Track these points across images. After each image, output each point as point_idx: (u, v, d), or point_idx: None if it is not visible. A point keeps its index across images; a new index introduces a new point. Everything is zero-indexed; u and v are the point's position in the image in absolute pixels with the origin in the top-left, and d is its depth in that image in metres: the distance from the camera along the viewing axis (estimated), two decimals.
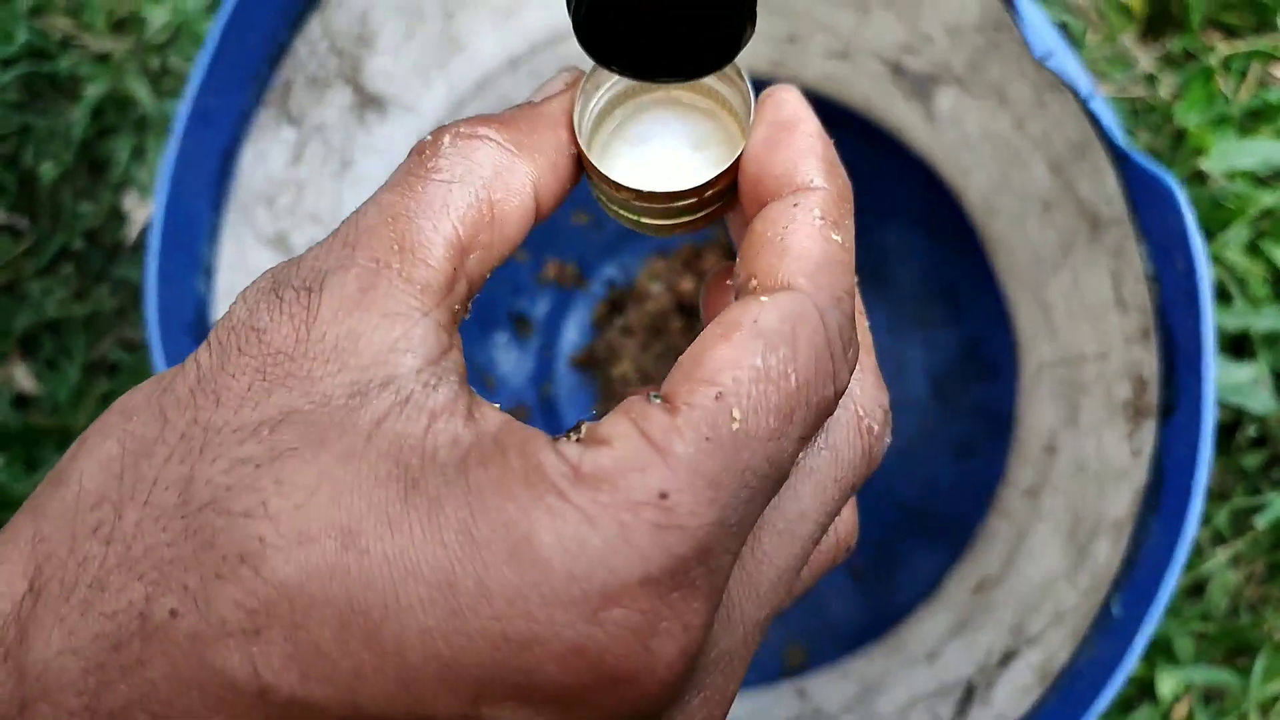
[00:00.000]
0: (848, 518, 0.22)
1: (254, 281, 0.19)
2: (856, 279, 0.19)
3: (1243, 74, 0.56)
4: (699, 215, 0.21)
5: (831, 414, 0.18)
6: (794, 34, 0.51)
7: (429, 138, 0.19)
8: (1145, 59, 0.58)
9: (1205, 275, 0.29)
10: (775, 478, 0.17)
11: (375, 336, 0.17)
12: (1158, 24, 0.58)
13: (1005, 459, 0.50)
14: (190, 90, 0.35)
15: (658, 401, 0.16)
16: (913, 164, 0.53)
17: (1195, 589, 0.55)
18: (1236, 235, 0.53)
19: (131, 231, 0.61)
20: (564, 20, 0.52)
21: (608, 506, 0.15)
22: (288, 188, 0.44)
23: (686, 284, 0.58)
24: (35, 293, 0.61)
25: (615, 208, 0.21)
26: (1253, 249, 0.54)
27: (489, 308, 0.58)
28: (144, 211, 0.61)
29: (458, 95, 0.51)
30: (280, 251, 0.44)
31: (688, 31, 0.19)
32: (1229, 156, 0.53)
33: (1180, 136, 0.56)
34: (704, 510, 0.15)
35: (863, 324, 0.21)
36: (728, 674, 0.18)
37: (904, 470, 0.56)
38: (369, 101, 0.47)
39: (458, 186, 0.18)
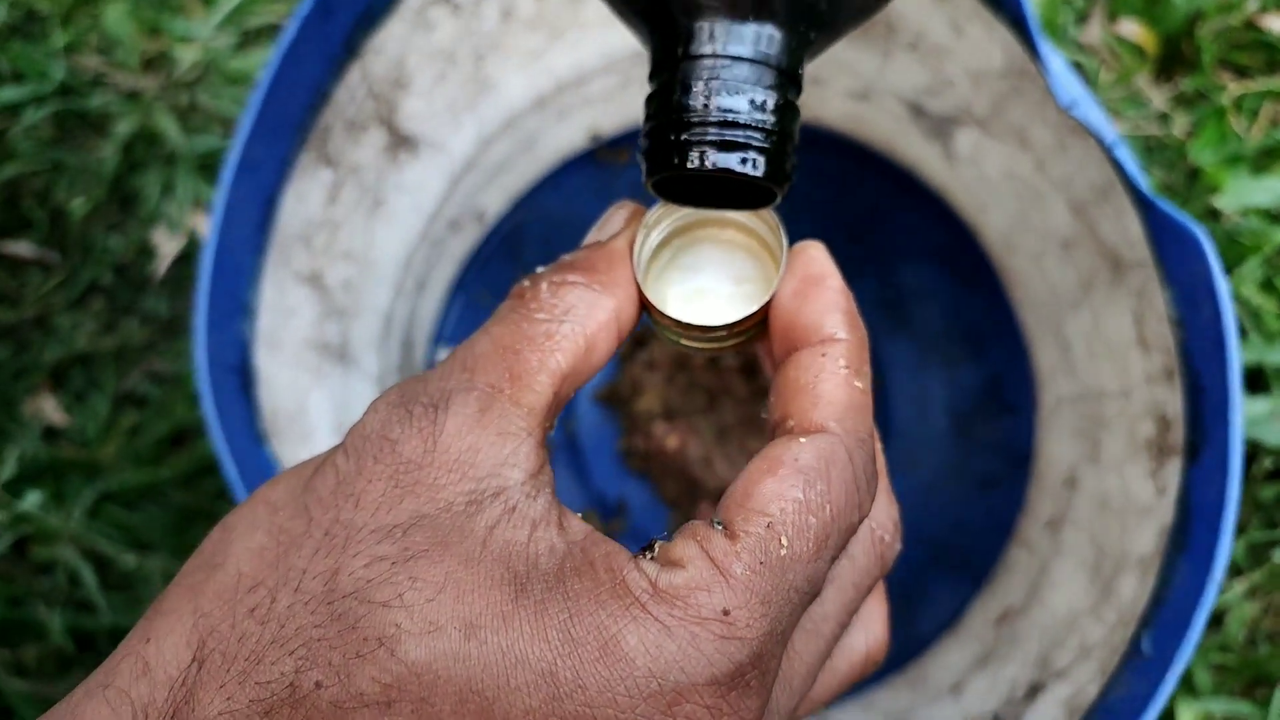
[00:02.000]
0: (879, 634, 0.25)
1: (382, 396, 0.22)
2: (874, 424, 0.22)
3: (1255, 113, 0.57)
4: (731, 343, 0.24)
5: (856, 535, 0.21)
6: (816, 75, 0.52)
7: (527, 283, 0.23)
8: (1158, 98, 0.59)
9: (1232, 324, 0.30)
10: (813, 592, 0.20)
11: (491, 452, 0.20)
12: (1170, 64, 0.59)
13: (1025, 492, 0.50)
14: (237, 141, 0.36)
15: (719, 528, 0.20)
16: (930, 201, 0.54)
17: (1214, 620, 0.55)
18: (1251, 271, 0.54)
19: (161, 265, 0.62)
20: (589, 60, 0.53)
21: (681, 620, 0.18)
22: (324, 227, 0.45)
23: None
24: (65, 326, 0.61)
25: (658, 329, 0.24)
26: (1267, 285, 0.55)
27: None
28: (173, 245, 0.62)
29: (486, 133, 0.52)
30: (315, 289, 0.45)
31: (734, 186, 0.23)
32: (1243, 194, 0.54)
33: (1194, 174, 0.57)
34: (758, 624, 0.19)
35: (879, 450, 0.24)
36: None
37: (926, 504, 0.56)
38: (402, 142, 0.48)
39: (557, 325, 0.22)
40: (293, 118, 0.38)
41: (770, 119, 0.22)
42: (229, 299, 0.36)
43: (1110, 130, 0.33)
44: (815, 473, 0.20)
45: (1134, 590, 0.35)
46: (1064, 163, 0.41)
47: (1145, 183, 0.34)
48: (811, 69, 0.51)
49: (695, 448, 0.58)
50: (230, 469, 0.33)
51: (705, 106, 0.22)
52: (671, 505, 0.59)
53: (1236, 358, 0.30)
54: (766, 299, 0.23)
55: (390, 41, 0.43)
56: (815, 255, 0.23)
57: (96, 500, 0.58)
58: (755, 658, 0.19)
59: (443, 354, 0.57)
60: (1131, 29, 0.59)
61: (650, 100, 0.23)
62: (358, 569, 0.19)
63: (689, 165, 0.22)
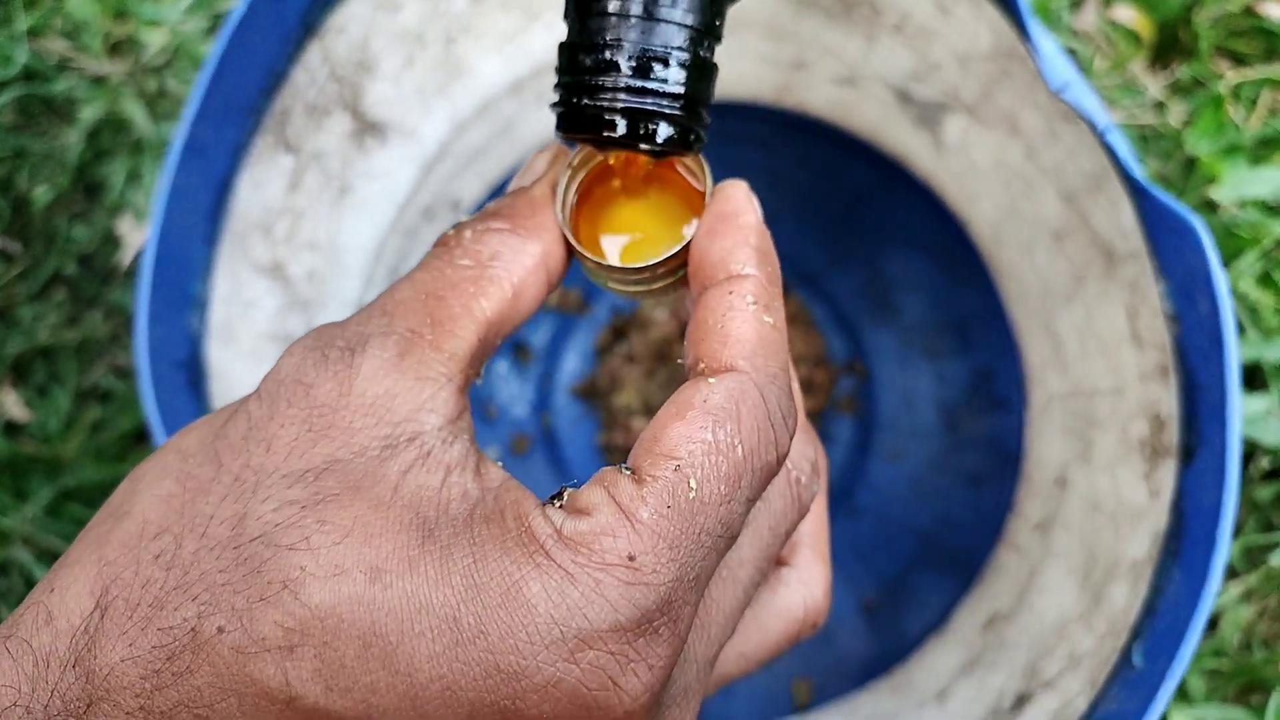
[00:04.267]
0: (818, 597, 0.24)
1: (299, 340, 0.21)
2: (790, 356, 0.22)
3: (1253, 102, 0.56)
4: (656, 286, 0.23)
5: (775, 475, 0.21)
6: (801, 60, 0.50)
7: (451, 231, 0.22)
8: (1154, 86, 0.57)
9: (1229, 318, 0.28)
10: (728, 536, 0.20)
11: (408, 397, 0.20)
12: (1166, 51, 0.58)
13: (1015, 490, 0.49)
14: (183, 124, 0.34)
15: (627, 472, 0.19)
16: (918, 191, 0.52)
17: (1208, 624, 0.54)
18: (1248, 265, 0.52)
19: (126, 256, 0.60)
20: None
21: (584, 566, 0.18)
22: (285, 215, 0.43)
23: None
24: (27, 318, 0.60)
25: (587, 272, 0.24)
26: (1265, 279, 0.53)
27: None
28: (139, 236, 0.61)
29: (459, 119, 0.50)
30: (277, 280, 0.44)
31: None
32: (1240, 185, 0.52)
33: (1190, 164, 0.55)
34: (665, 569, 0.18)
35: (795, 387, 0.23)
36: (684, 706, 0.21)
37: (914, 499, 0.55)
38: (368, 128, 0.46)
39: (481, 271, 0.21)
40: (245, 99, 0.36)
41: (680, 84, 0.21)
42: (175, 291, 0.35)
43: (1103, 115, 0.32)
44: (725, 413, 0.20)
45: (1125, 598, 0.33)
46: (1055, 150, 0.39)
47: (1139, 170, 0.32)
48: (796, 54, 0.50)
49: None
50: None
51: (614, 68, 0.21)
52: None
53: (1234, 355, 0.28)
54: (685, 242, 0.22)
55: (352, 21, 0.41)
56: (731, 193, 0.23)
57: (56, 497, 0.56)
58: (664, 603, 0.18)
59: None
60: (1127, 14, 0.57)
61: (561, 50, 0.23)
62: (266, 513, 0.19)
63: (597, 131, 0.21)
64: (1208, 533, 0.28)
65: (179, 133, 0.34)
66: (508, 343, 0.58)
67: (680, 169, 0.24)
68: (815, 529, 0.25)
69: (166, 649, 0.18)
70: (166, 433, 0.32)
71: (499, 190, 0.55)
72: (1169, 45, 0.58)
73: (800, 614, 0.24)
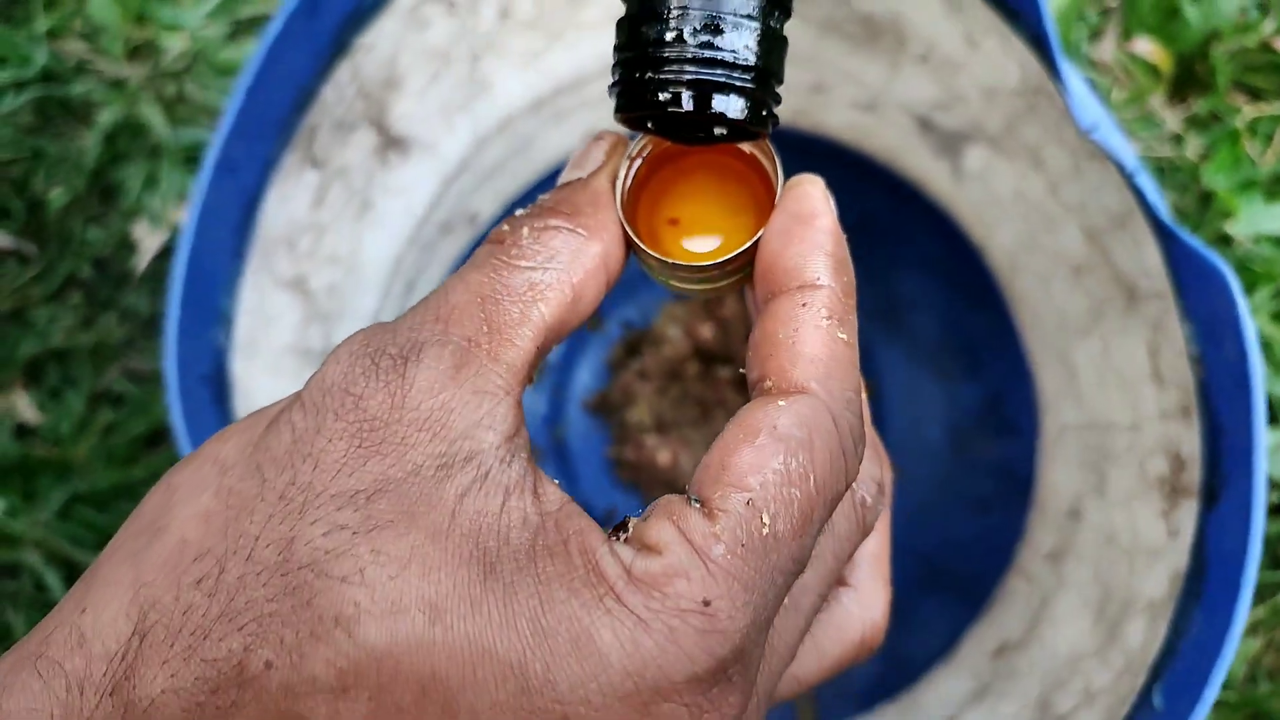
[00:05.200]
0: (878, 620, 0.23)
1: (344, 343, 0.19)
2: (862, 378, 0.21)
3: (1269, 138, 0.56)
4: (720, 284, 0.22)
5: (840, 501, 0.19)
6: (820, 84, 0.50)
7: (505, 228, 0.21)
8: (1172, 119, 0.57)
9: (1257, 363, 0.29)
10: (797, 571, 0.19)
11: (465, 412, 0.19)
12: (1184, 85, 0.58)
13: (1025, 519, 0.49)
14: (216, 140, 0.34)
15: (696, 505, 0.18)
16: (934, 215, 0.52)
17: None
18: (1262, 301, 0.53)
19: (141, 260, 0.60)
20: (588, 63, 0.52)
21: (659, 612, 0.17)
22: (308, 230, 0.43)
23: (705, 330, 0.57)
24: (41, 320, 0.60)
25: (646, 269, 0.22)
26: (1278, 316, 0.53)
27: None
28: (154, 240, 0.61)
29: (480, 135, 0.50)
30: (298, 294, 0.44)
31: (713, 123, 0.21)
32: (1256, 221, 0.53)
33: (1207, 198, 0.55)
34: (741, 614, 0.17)
35: (865, 409, 0.22)
36: None
37: (921, 523, 0.55)
38: (392, 143, 0.46)
39: (540, 273, 0.20)
40: (277, 117, 0.36)
41: (752, 53, 0.20)
42: (204, 306, 0.35)
43: (1131, 157, 0.32)
44: (797, 441, 0.18)
45: (1143, 636, 0.33)
46: (1079, 186, 0.39)
47: (1167, 212, 0.32)
48: (816, 77, 0.50)
49: (687, 461, 0.57)
50: None
51: (678, 39, 0.20)
52: None
53: (1261, 399, 0.28)
54: (755, 239, 0.21)
55: (382, 39, 0.41)
56: (809, 191, 0.21)
57: (67, 501, 0.56)
58: (738, 651, 0.17)
59: None
60: (1146, 48, 0.57)
61: (620, 26, 0.21)
62: (315, 538, 0.18)
63: (661, 108, 0.20)
64: (1232, 577, 0.29)
65: (212, 149, 0.34)
66: None
67: (747, 156, 0.22)
68: (877, 549, 0.24)
69: (211, 682, 0.17)
70: (193, 446, 0.32)
71: (515, 205, 0.55)
72: (1187, 79, 0.58)
73: (858, 638, 0.23)
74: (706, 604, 0.17)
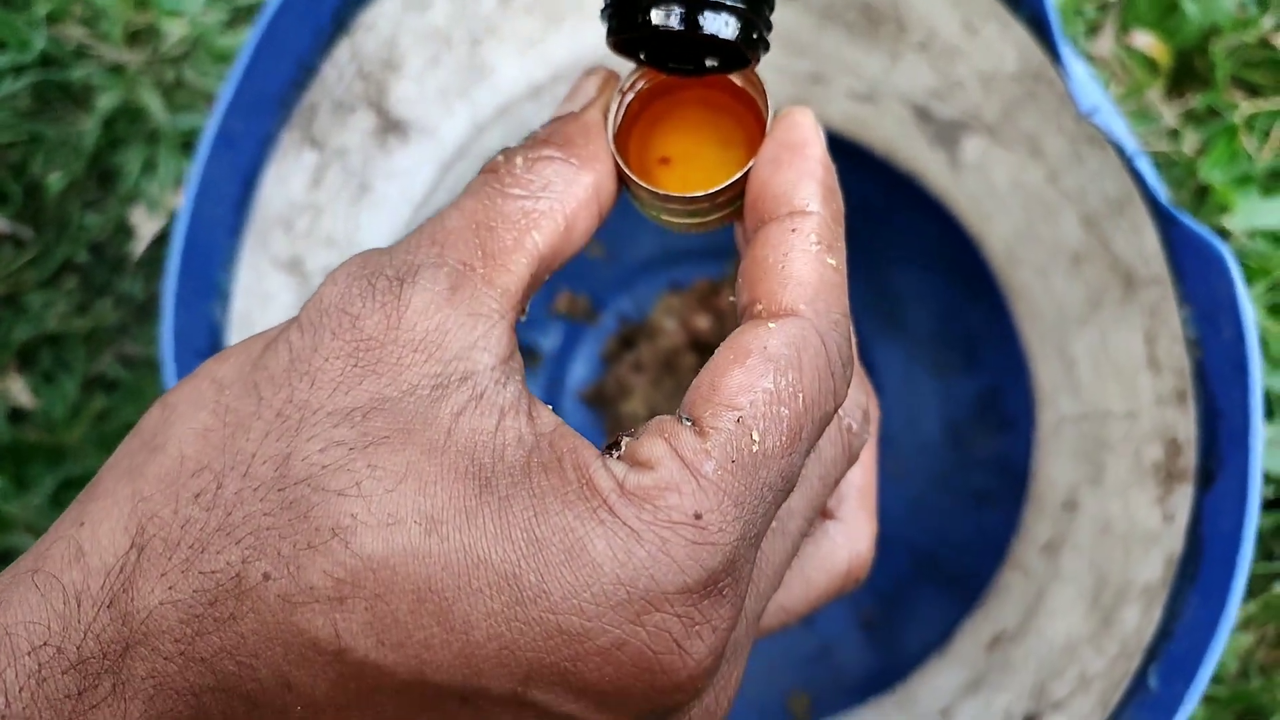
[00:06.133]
0: (863, 551, 0.24)
1: (341, 266, 0.20)
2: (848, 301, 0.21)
3: (1266, 133, 0.56)
4: (711, 218, 0.22)
5: (830, 424, 0.20)
6: (818, 74, 0.50)
7: (500, 158, 0.21)
8: (1169, 114, 0.57)
9: (1255, 345, 0.29)
10: (786, 489, 0.19)
11: (460, 334, 0.19)
12: (1182, 80, 0.58)
13: (1021, 511, 0.49)
14: (215, 113, 0.34)
15: (688, 423, 0.18)
16: (931, 207, 0.52)
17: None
18: (1259, 296, 0.53)
19: (138, 246, 0.60)
20: (588, 50, 0.52)
21: (651, 523, 0.17)
22: (306, 211, 0.43)
23: (701, 321, 0.57)
24: (36, 305, 0.59)
25: (638, 203, 0.22)
26: (1275, 309, 0.53)
27: None
28: (151, 226, 0.60)
29: (479, 120, 0.50)
30: (295, 276, 0.44)
31: (704, 49, 0.21)
32: (1252, 215, 0.53)
33: (1203, 192, 0.55)
34: (731, 527, 0.18)
35: (851, 333, 0.23)
36: (734, 662, 0.20)
37: (916, 516, 0.55)
38: (391, 126, 0.46)
39: (534, 202, 0.20)
40: (276, 92, 0.36)
41: None
42: (201, 279, 0.35)
43: (1131, 141, 0.32)
44: (786, 360, 0.19)
45: (1137, 621, 0.33)
46: (1078, 174, 0.39)
47: (1165, 195, 0.32)
48: (814, 67, 0.50)
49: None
50: None
51: None
52: None
53: (1258, 381, 0.28)
54: (746, 169, 0.21)
55: (382, 19, 0.41)
56: (799, 120, 0.21)
57: (60, 485, 0.56)
58: (729, 563, 0.18)
59: None
60: (1144, 41, 0.57)
61: None
62: (312, 454, 0.18)
63: (653, 23, 0.20)
64: (1227, 557, 0.29)
65: (211, 122, 0.34)
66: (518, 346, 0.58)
67: (738, 91, 0.22)
68: (863, 481, 0.24)
69: (209, 593, 0.18)
70: None
71: None
72: (1185, 74, 0.58)
73: (844, 567, 0.23)
74: (698, 517, 0.17)
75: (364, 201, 0.47)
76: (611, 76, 0.23)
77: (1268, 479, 0.54)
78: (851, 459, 0.22)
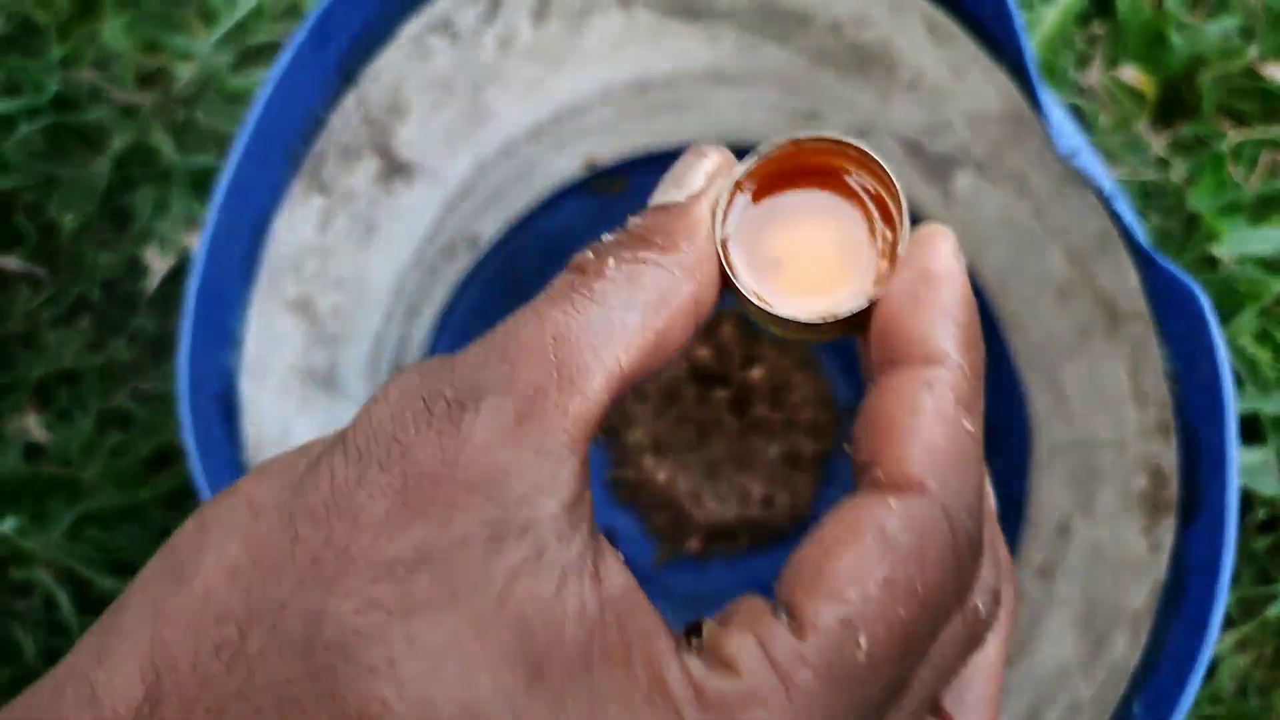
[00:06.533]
0: None
1: (399, 378, 0.18)
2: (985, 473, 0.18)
3: (1253, 161, 0.57)
4: (832, 335, 0.20)
5: (950, 620, 0.17)
6: (814, 111, 0.52)
7: (589, 255, 0.18)
8: (1157, 143, 0.59)
9: (1229, 384, 0.30)
10: (887, 704, 0.16)
11: (524, 474, 0.16)
12: (1169, 109, 0.59)
13: (1017, 536, 0.50)
14: (228, 165, 0.35)
15: (784, 619, 0.16)
16: None
17: (1205, 672, 0.54)
18: (1247, 322, 0.54)
19: (151, 283, 0.62)
20: (587, 91, 0.53)
21: None
22: (314, 254, 0.45)
23: (702, 352, 0.58)
24: (51, 342, 0.61)
25: (742, 306, 0.20)
26: (1263, 335, 0.54)
27: None
28: (164, 263, 0.62)
29: (482, 160, 0.52)
30: (303, 316, 0.45)
31: None
32: (1241, 243, 0.54)
33: (1192, 221, 0.57)
34: None
35: (990, 506, 0.20)
36: None
37: None
38: (396, 169, 0.48)
39: (623, 314, 0.17)
40: (285, 143, 0.38)
41: None
42: (214, 328, 0.36)
43: (1109, 181, 0.33)
44: (907, 549, 0.16)
45: (1125, 648, 0.34)
46: (1062, 211, 0.41)
47: (1144, 236, 0.33)
48: (809, 104, 0.51)
49: (684, 482, 0.58)
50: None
51: None
52: (659, 537, 0.58)
53: (1234, 418, 0.29)
54: (872, 299, 0.18)
55: (387, 70, 0.43)
56: (941, 247, 0.18)
57: (76, 520, 0.57)
58: None
59: None
60: (1131, 74, 0.59)
61: None
62: (347, 614, 0.16)
63: None
64: (1208, 588, 0.30)
65: (223, 175, 0.35)
66: None
67: (865, 185, 0.19)
68: (987, 675, 0.20)
69: None
70: (204, 468, 0.33)
71: (516, 229, 0.56)
72: (1172, 103, 0.59)
73: None
74: None
75: (370, 242, 0.48)
76: (726, 162, 0.20)
77: (1263, 502, 0.55)
78: (973, 645, 0.18)
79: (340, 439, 0.17)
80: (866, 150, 0.19)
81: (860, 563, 0.16)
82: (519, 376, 0.17)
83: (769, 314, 0.19)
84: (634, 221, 0.19)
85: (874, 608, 0.16)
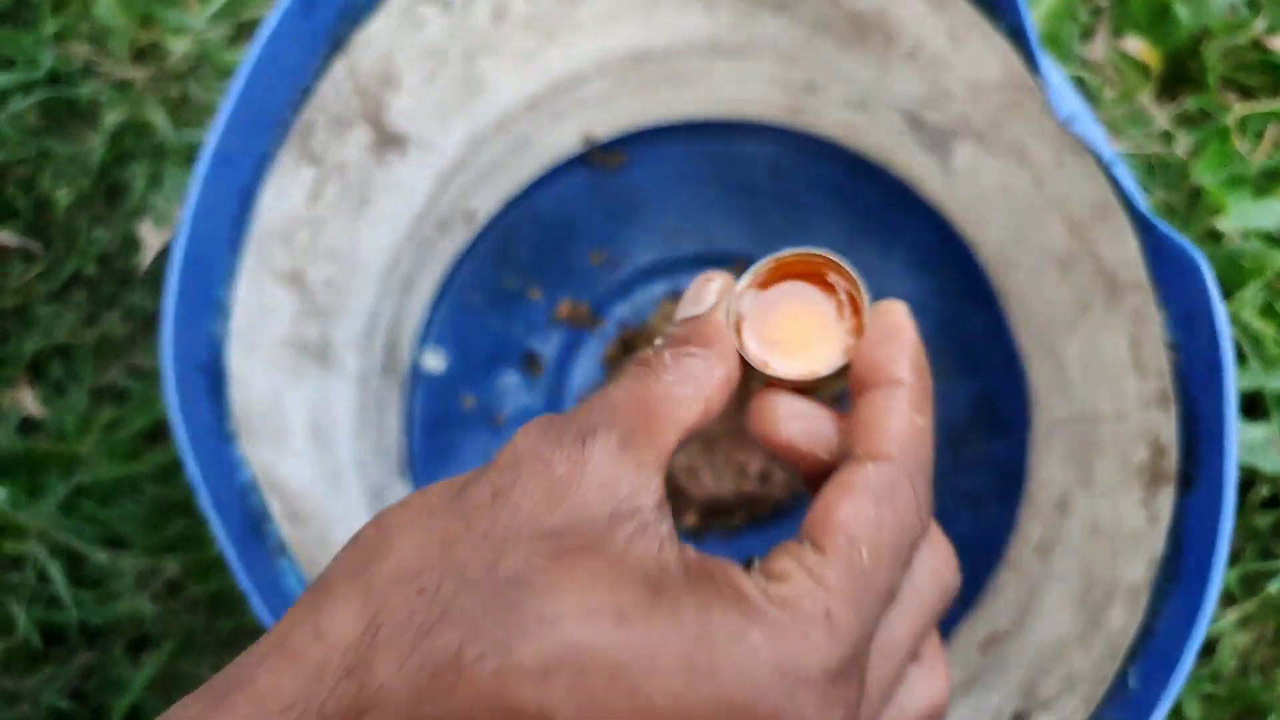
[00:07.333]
0: (940, 687, 0.27)
1: (528, 426, 0.25)
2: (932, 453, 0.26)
3: (1259, 134, 0.56)
4: (821, 390, 0.28)
5: (916, 549, 0.25)
6: (812, 83, 0.51)
7: (650, 352, 0.26)
8: (1162, 116, 0.58)
9: (1229, 350, 0.29)
10: (889, 596, 0.24)
11: (629, 480, 0.24)
12: (1174, 82, 0.59)
13: (1016, 513, 0.49)
14: (212, 135, 0.35)
15: (809, 546, 0.23)
16: (928, 213, 0.53)
17: (1205, 649, 0.54)
18: (1252, 296, 0.53)
19: (145, 258, 0.61)
20: (583, 62, 0.53)
21: (794, 620, 0.22)
22: (306, 225, 0.44)
23: None
24: (46, 317, 0.61)
25: (756, 379, 0.28)
26: (1268, 310, 0.54)
27: (500, 345, 0.58)
28: (158, 238, 0.62)
29: (477, 134, 0.51)
30: (295, 288, 0.44)
31: None
32: (1245, 216, 0.53)
33: (1196, 194, 0.56)
34: (854, 624, 0.22)
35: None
36: None
37: None
38: (389, 140, 0.47)
39: (681, 388, 0.26)
40: (273, 113, 0.37)
41: None
42: (200, 297, 0.35)
43: (1108, 148, 0.32)
44: (883, 495, 0.24)
45: (1123, 621, 0.34)
46: (1062, 180, 0.40)
47: (1144, 203, 0.33)
48: (808, 76, 0.51)
49: (681, 459, 0.57)
50: (193, 469, 0.32)
51: None
52: None
53: (1233, 385, 0.29)
54: (852, 350, 0.27)
55: (377, 38, 0.42)
56: (895, 308, 0.27)
57: (71, 494, 0.57)
58: (854, 654, 0.22)
59: (429, 355, 0.56)
60: (1136, 46, 0.58)
61: None
62: (518, 561, 0.22)
63: None
64: (1205, 559, 0.29)
65: (208, 144, 0.35)
66: (518, 354, 0.59)
67: (832, 286, 0.28)
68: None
69: (431, 669, 0.21)
70: (189, 435, 0.33)
71: (513, 204, 0.56)
72: (1177, 76, 0.59)
73: (927, 704, 0.27)
74: (828, 614, 0.22)
75: (364, 215, 0.48)
76: (729, 282, 0.28)
77: (1266, 479, 0.54)
78: (945, 600, 0.26)
79: (490, 465, 0.24)
80: (836, 258, 0.27)
81: (854, 506, 0.23)
82: (618, 421, 0.24)
83: (770, 376, 0.27)
84: (674, 331, 0.27)
85: (867, 531, 0.23)
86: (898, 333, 0.27)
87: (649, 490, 0.24)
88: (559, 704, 0.21)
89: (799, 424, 0.27)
